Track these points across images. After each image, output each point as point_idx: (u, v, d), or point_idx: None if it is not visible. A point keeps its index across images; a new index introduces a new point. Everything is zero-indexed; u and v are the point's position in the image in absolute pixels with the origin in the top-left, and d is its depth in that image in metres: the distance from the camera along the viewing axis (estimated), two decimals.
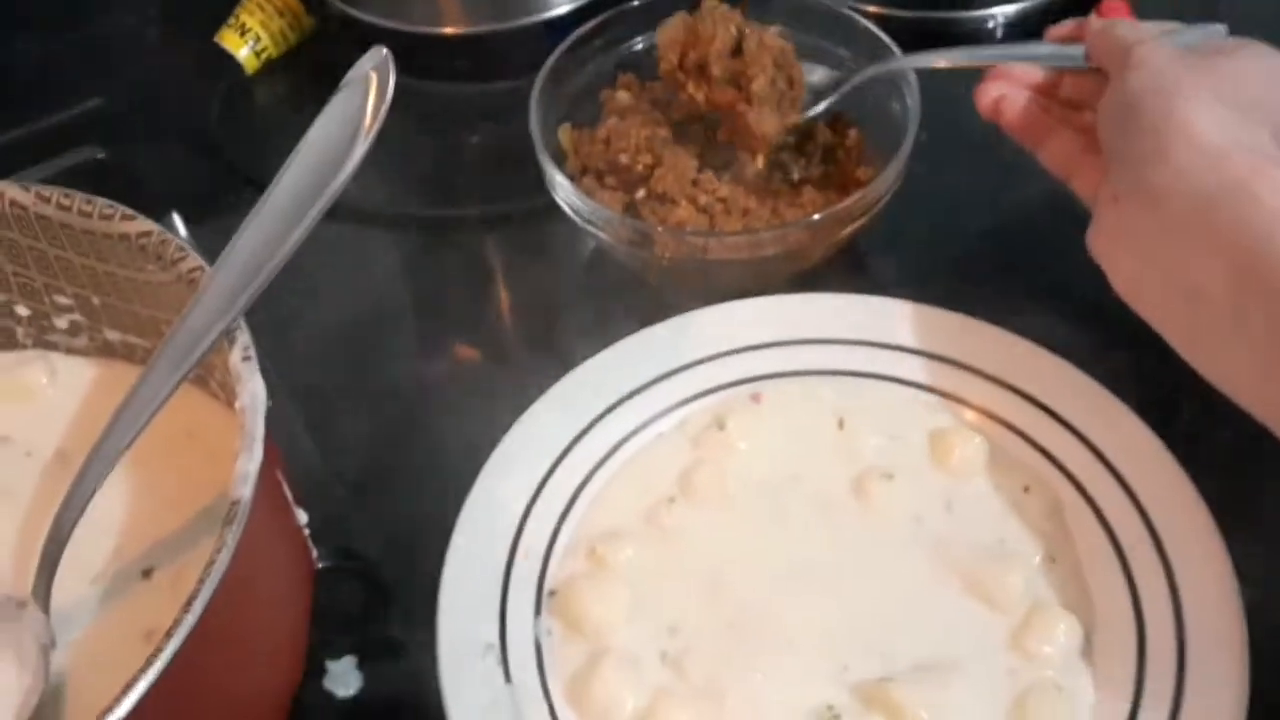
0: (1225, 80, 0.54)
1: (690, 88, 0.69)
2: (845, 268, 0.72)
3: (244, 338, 0.46)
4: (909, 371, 0.64)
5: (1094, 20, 0.63)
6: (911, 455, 0.62)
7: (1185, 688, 0.53)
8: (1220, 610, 0.54)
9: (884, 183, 0.67)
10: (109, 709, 0.39)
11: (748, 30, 0.68)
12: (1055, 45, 0.65)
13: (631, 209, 0.70)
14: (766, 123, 0.68)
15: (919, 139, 0.69)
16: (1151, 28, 0.60)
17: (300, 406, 0.69)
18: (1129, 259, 0.56)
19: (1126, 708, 0.53)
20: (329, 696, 0.59)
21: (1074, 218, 0.73)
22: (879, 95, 0.72)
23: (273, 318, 0.73)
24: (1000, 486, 0.60)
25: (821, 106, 0.71)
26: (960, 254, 0.74)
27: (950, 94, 0.75)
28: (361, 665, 0.59)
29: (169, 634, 0.40)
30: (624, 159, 0.70)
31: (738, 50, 0.68)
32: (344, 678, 0.59)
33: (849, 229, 0.67)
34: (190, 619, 0.40)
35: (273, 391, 0.68)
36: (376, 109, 0.47)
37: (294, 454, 0.62)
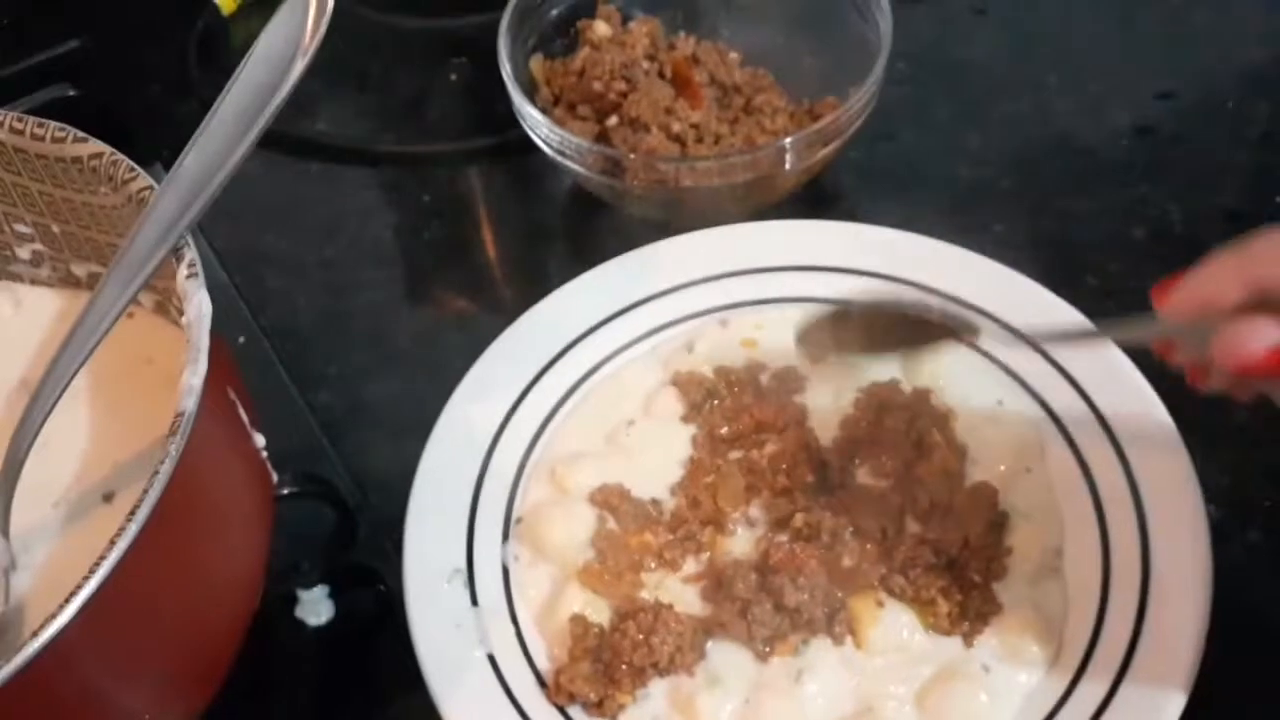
0: None
1: None
2: (820, 198, 0.72)
3: (190, 254, 0.46)
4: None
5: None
6: (885, 370, 0.61)
7: (1149, 605, 0.52)
8: (1186, 529, 0.54)
9: (855, 106, 0.66)
10: (53, 616, 0.39)
11: None
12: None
13: (603, 138, 0.70)
14: None
15: (899, 69, 0.68)
16: None
17: (275, 342, 0.69)
18: None
19: (1092, 622, 0.53)
20: (300, 625, 0.59)
21: (1054, 150, 0.73)
22: (850, 21, 0.71)
23: (248, 255, 0.74)
24: (971, 402, 0.60)
25: None
26: (937, 184, 0.73)
27: (928, 27, 0.74)
28: (333, 594, 0.59)
29: (112, 542, 0.40)
30: (597, 86, 0.69)
31: None
32: (315, 606, 0.59)
33: (821, 154, 0.67)
34: (133, 528, 0.40)
35: (246, 327, 0.69)
36: (316, 25, 0.47)
37: (266, 388, 0.62)
